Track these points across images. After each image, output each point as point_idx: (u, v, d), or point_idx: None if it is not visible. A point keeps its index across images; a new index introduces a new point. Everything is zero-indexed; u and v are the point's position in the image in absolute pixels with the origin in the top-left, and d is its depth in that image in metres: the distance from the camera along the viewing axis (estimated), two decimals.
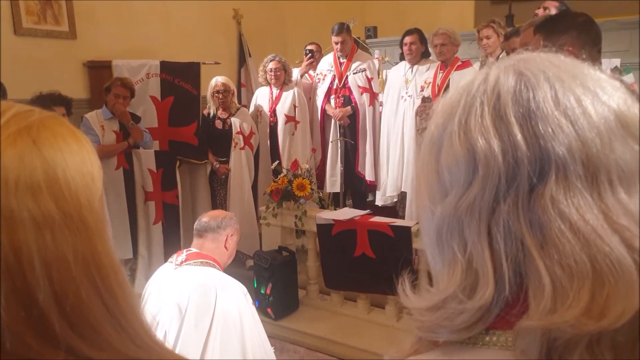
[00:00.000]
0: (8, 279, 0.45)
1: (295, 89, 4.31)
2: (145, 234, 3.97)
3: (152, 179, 3.95)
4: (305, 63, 4.45)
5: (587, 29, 1.78)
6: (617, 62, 3.91)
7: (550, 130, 0.44)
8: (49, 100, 3.28)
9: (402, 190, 4.05)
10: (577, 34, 1.76)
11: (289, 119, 4.26)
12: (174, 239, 3.98)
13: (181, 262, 2.08)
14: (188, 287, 1.97)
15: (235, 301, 2.00)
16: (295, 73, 4.44)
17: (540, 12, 4.07)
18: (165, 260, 2.22)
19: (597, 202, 0.43)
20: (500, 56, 3.74)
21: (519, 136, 0.45)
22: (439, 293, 0.49)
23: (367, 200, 4.48)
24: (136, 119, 3.91)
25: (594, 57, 1.79)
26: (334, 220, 3.25)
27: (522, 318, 0.43)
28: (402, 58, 4.30)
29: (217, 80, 4.11)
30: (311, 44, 4.60)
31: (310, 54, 4.45)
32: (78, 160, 0.52)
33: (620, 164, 0.44)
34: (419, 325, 0.51)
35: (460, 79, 3.70)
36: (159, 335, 1.93)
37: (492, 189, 0.45)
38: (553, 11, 3.96)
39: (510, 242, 0.45)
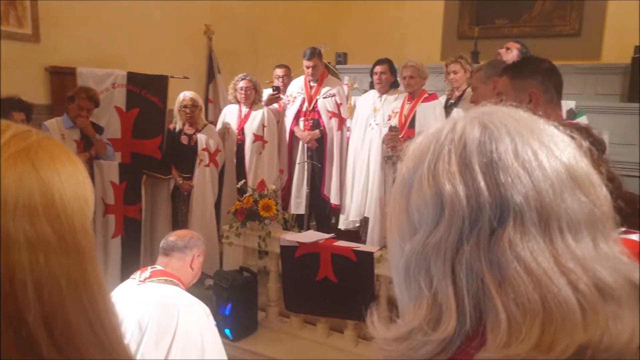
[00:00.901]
0: (0, 300, 0.45)
1: (265, 108, 4.32)
2: (102, 247, 3.84)
3: (114, 191, 3.85)
4: (269, 96, 4.47)
5: (551, 75, 1.90)
6: (572, 104, 4.12)
7: (510, 179, 0.49)
8: (7, 105, 3.16)
9: (365, 215, 4.10)
10: (541, 79, 1.87)
11: (257, 138, 4.25)
12: (133, 253, 3.86)
13: (145, 279, 2.04)
14: (150, 305, 1.93)
15: (197, 322, 1.97)
16: (265, 94, 4.46)
17: (502, 51, 4.27)
18: (123, 275, 2.16)
19: (549, 246, 0.48)
20: (466, 91, 3.89)
21: (482, 183, 0.49)
22: (405, 325, 0.52)
23: (331, 223, 4.51)
24: (99, 129, 3.81)
25: (554, 100, 1.91)
26: (298, 242, 3.25)
27: (480, 350, 0.47)
28: (371, 86, 4.39)
29: (186, 94, 4.08)
30: (280, 66, 4.64)
31: (277, 91, 4.48)
32: (74, 183, 0.52)
33: (569, 213, 0.49)
34: (385, 354, 0.54)
35: (425, 112, 3.81)
36: None
37: (456, 230, 0.49)
38: (514, 52, 4.17)
39: (472, 280, 0.49)
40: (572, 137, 0.55)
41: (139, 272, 2.09)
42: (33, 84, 4.00)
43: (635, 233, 1.55)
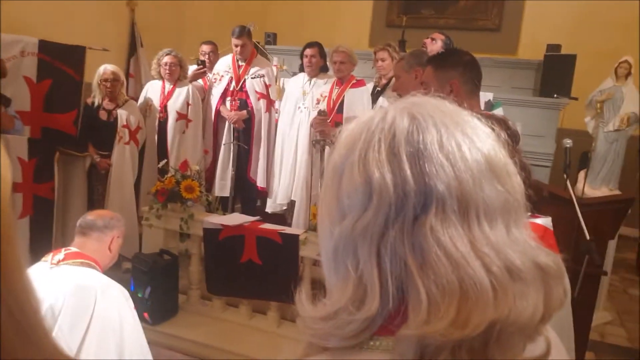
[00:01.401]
0: None
1: (190, 85, 4.18)
2: None
3: (22, 168, 3.58)
4: (194, 72, 4.33)
5: (471, 67, 1.98)
6: (490, 95, 4.33)
7: (434, 169, 0.52)
8: None
9: (292, 198, 4.10)
10: (462, 70, 1.95)
11: (181, 116, 4.11)
12: (44, 235, 3.63)
13: (58, 262, 1.92)
14: (64, 289, 1.83)
15: (116, 305, 1.89)
16: (191, 70, 4.31)
17: (428, 41, 4.40)
18: (32, 258, 2.03)
19: (467, 232, 0.51)
20: (393, 79, 3.97)
21: (408, 172, 0.52)
22: (332, 305, 0.55)
23: (256, 205, 4.47)
24: (6, 101, 3.51)
25: (474, 91, 2.00)
26: (222, 225, 3.20)
27: (401, 327, 0.50)
28: (301, 69, 4.36)
29: (107, 67, 3.86)
30: (207, 43, 4.49)
31: (202, 64, 4.34)
32: None
33: (486, 201, 0.52)
34: (311, 332, 0.56)
35: (353, 98, 3.85)
36: None
37: (383, 215, 0.52)
38: (439, 43, 4.31)
39: (395, 263, 0.52)
40: (492, 129, 0.59)
41: (51, 255, 1.97)
42: None
43: (539, 217, 1.68)
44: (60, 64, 3.85)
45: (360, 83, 4.13)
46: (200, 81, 4.36)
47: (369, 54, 4.49)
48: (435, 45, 4.31)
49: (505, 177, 0.55)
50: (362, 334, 0.53)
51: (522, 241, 0.54)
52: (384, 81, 4.14)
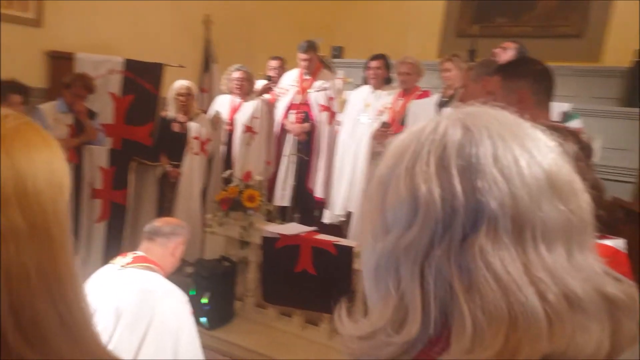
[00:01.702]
0: None
1: (258, 100, 4.34)
2: (86, 231, 3.90)
3: (103, 176, 3.89)
4: (262, 87, 4.48)
5: (543, 78, 1.89)
6: (566, 106, 4.08)
7: (486, 185, 0.48)
8: (6, 88, 3.22)
9: (349, 210, 4.11)
10: (532, 80, 1.86)
11: (247, 129, 4.27)
12: (117, 239, 3.91)
13: (126, 264, 2.06)
14: (129, 291, 1.96)
15: (175, 310, 2.00)
16: (259, 85, 4.48)
17: (498, 51, 4.23)
18: (105, 259, 2.19)
19: (521, 255, 0.47)
20: (459, 90, 3.86)
21: (458, 187, 0.48)
22: (371, 325, 0.52)
23: (314, 216, 4.53)
24: (92, 115, 3.86)
25: (544, 102, 1.90)
26: (279, 234, 3.27)
27: (442, 354, 0.47)
28: (365, 81, 4.38)
29: (182, 83, 4.10)
30: (274, 58, 4.64)
31: (269, 79, 4.48)
32: (48, 170, 0.52)
33: (545, 222, 0.48)
34: (348, 352, 0.54)
35: (417, 110, 3.78)
36: None
37: (429, 232, 0.49)
38: (511, 52, 4.13)
39: (440, 284, 0.48)
40: (559, 143, 0.54)
41: (119, 257, 2.12)
42: (33, 68, 4.06)
43: (609, 238, 1.52)
44: (142, 80, 4.15)
45: (425, 94, 4.07)
46: (267, 95, 4.52)
47: (437, 64, 4.41)
48: (506, 54, 4.13)
49: (569, 195, 0.50)
50: (400, 357, 0.50)
51: (586, 267, 0.49)
52: (450, 92, 4.04)
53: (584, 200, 0.51)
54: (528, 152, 0.50)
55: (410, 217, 0.50)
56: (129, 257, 2.10)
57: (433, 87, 4.30)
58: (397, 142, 0.56)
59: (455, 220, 0.48)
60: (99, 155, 3.87)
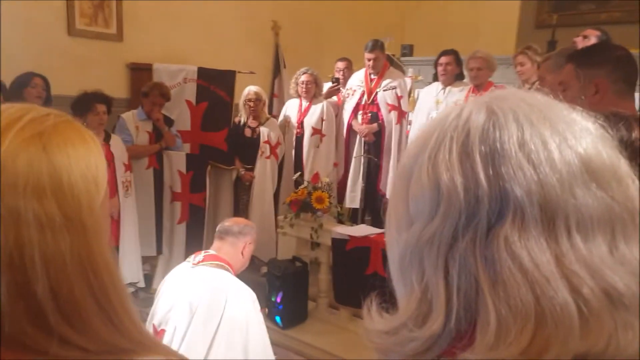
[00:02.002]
0: (11, 272, 0.50)
1: (325, 102, 4.38)
2: (169, 232, 4.10)
3: (181, 180, 4.08)
4: (329, 89, 4.50)
5: (624, 65, 1.73)
6: None
7: (511, 171, 0.45)
8: (92, 98, 3.47)
9: None
10: (611, 68, 1.70)
11: (316, 131, 4.32)
12: (196, 239, 4.09)
13: (198, 262, 2.16)
14: (201, 288, 2.04)
15: (243, 307, 2.06)
16: (326, 87, 4.51)
17: (579, 40, 3.97)
18: (186, 258, 2.30)
19: (552, 246, 0.44)
20: (536, 83, 3.67)
21: (482, 175, 0.46)
22: (395, 319, 0.51)
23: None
24: (169, 122, 4.06)
25: (626, 92, 1.74)
26: (349, 235, 3.26)
27: (466, 351, 0.45)
28: (435, 78, 4.28)
29: (250, 89, 4.22)
30: (341, 59, 4.65)
31: (336, 82, 4.49)
32: (83, 165, 0.56)
33: (580, 210, 0.44)
34: (373, 346, 0.52)
35: None
36: (169, 329, 2.03)
37: (452, 224, 0.47)
38: (593, 40, 3.86)
39: (465, 277, 0.46)
40: (602, 126, 0.50)
41: (193, 256, 2.22)
42: (116, 79, 4.35)
43: None
44: (215, 87, 4.31)
45: (499, 89, 3.91)
46: (334, 97, 4.53)
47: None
48: (588, 43, 3.88)
49: (611, 181, 0.46)
50: (425, 354, 0.48)
51: (633, 262, 0.44)
52: (526, 86, 3.86)
53: (630, 187, 0.47)
54: (560, 136, 0.46)
55: (432, 208, 0.48)
56: (201, 255, 2.20)
57: (510, 82, 4.11)
58: (422, 130, 0.54)
59: (480, 209, 0.45)
60: (177, 160, 4.07)
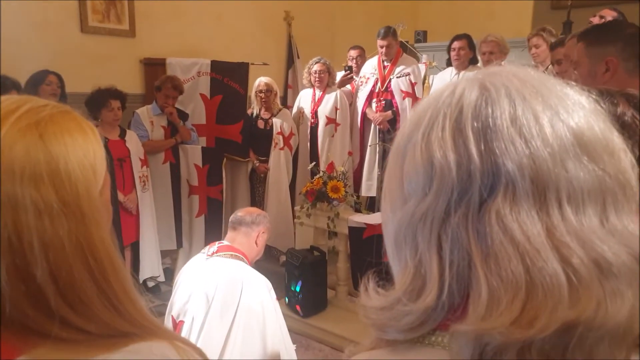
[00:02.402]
0: (10, 256, 0.51)
1: (338, 91, 4.35)
2: (188, 226, 4.14)
3: (198, 173, 4.11)
4: (342, 78, 4.47)
5: (634, 42, 1.70)
6: None
7: (503, 146, 0.46)
8: (107, 94, 3.49)
9: None
10: (623, 46, 1.68)
11: (330, 120, 4.30)
12: (215, 232, 4.11)
13: (212, 253, 2.16)
14: (217, 279, 2.05)
15: (259, 296, 2.07)
16: (339, 76, 4.48)
17: (595, 19, 3.88)
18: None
19: (543, 218, 0.45)
20: (549, 67, 3.62)
21: (474, 150, 0.46)
22: (390, 295, 0.52)
23: None
24: (184, 116, 4.08)
25: (637, 71, 1.72)
26: (365, 224, 3.27)
27: (458, 323, 0.46)
28: (449, 64, 4.24)
29: (261, 80, 4.22)
30: (354, 48, 4.62)
31: (349, 70, 4.46)
32: (81, 153, 0.58)
33: (572, 183, 0.45)
34: (370, 323, 0.53)
35: None
36: (187, 320, 2.04)
37: (444, 200, 0.47)
38: (609, 20, 3.78)
39: (457, 252, 0.47)
40: (596, 100, 0.50)
41: (208, 247, 2.23)
42: (129, 75, 4.39)
43: None
44: (229, 80, 4.32)
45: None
46: (348, 86, 4.51)
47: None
48: None
49: (603, 154, 0.46)
50: (421, 328, 0.49)
51: (624, 232, 0.45)
52: (541, 68, 3.80)
53: (622, 160, 0.47)
54: (552, 110, 0.47)
55: (425, 185, 0.49)
56: (215, 246, 2.20)
57: (524, 64, 4.04)
58: (416, 110, 0.54)
59: (472, 185, 0.46)
60: (193, 154, 4.10)
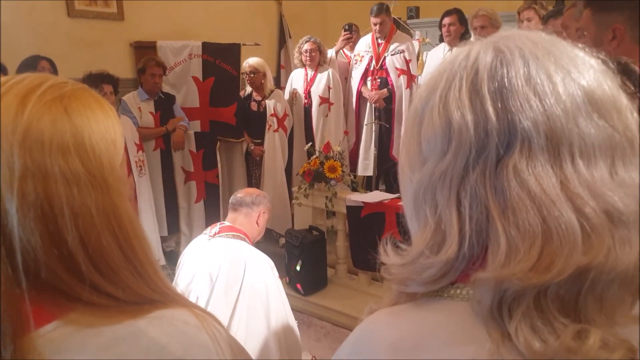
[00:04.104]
0: (43, 223, 0.54)
1: (330, 70, 4.32)
2: (187, 212, 4.13)
3: (193, 159, 4.09)
4: (342, 38, 4.41)
5: None
6: None
7: (518, 104, 0.48)
8: (98, 79, 3.44)
9: None
10: (630, 12, 1.67)
11: (323, 100, 4.28)
12: (215, 216, 4.12)
13: (214, 234, 2.19)
14: (219, 258, 2.08)
15: (262, 274, 2.10)
16: (330, 52, 4.44)
17: None
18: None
19: (557, 172, 0.48)
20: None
21: (491, 110, 0.49)
22: (411, 251, 0.55)
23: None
24: (172, 99, 4.02)
25: None
26: (363, 202, 3.29)
27: (478, 272, 0.49)
28: (442, 40, 4.22)
29: (248, 61, 4.17)
30: (347, 28, 4.58)
31: (348, 29, 4.40)
32: (102, 128, 0.60)
33: (583, 138, 0.48)
34: (392, 278, 0.57)
35: None
36: (192, 300, 2.05)
37: (463, 158, 0.50)
38: None
39: (476, 207, 0.50)
40: (604, 61, 0.53)
41: (209, 228, 2.25)
42: (119, 59, 4.32)
43: None
44: (221, 62, 4.26)
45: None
46: (344, 57, 4.43)
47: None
48: None
49: (611, 111, 0.49)
50: (441, 280, 0.52)
51: (631, 184, 0.48)
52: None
53: (629, 117, 0.50)
54: (564, 70, 0.49)
55: (444, 145, 0.51)
56: (217, 227, 2.23)
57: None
58: (432, 74, 0.56)
59: (489, 143, 0.49)
60: (187, 140, 4.06)
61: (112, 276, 0.58)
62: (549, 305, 0.45)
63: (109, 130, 0.61)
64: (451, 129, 0.51)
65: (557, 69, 0.49)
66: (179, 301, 0.65)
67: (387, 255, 0.58)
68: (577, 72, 0.50)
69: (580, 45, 0.53)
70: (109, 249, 0.58)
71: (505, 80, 0.49)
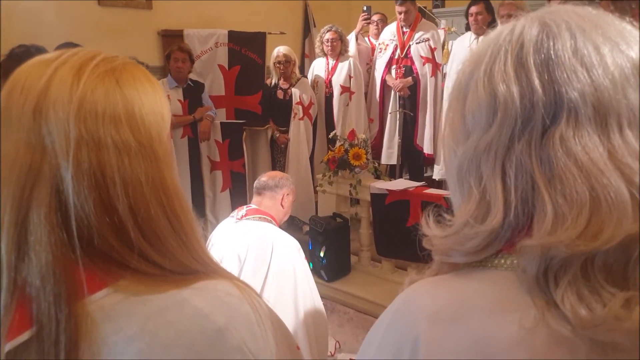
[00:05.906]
0: (96, 191, 0.56)
1: (351, 59, 4.31)
2: (212, 200, 4.19)
3: (219, 149, 4.13)
4: (360, 19, 4.38)
5: None
6: None
7: (565, 76, 0.48)
8: None
9: None
10: None
11: (344, 89, 4.28)
12: (241, 203, 4.11)
13: (241, 217, 2.23)
14: (247, 240, 2.12)
15: (289, 255, 2.14)
16: (351, 37, 4.42)
17: None
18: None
19: (605, 142, 0.47)
20: None
21: (537, 82, 0.49)
22: (455, 222, 0.55)
23: (424, 174, 4.46)
24: (200, 86, 4.07)
25: None
26: (388, 190, 3.30)
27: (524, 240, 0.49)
28: (468, 29, 4.19)
29: (279, 50, 4.19)
30: (375, 14, 4.56)
31: (367, 11, 4.39)
32: (152, 100, 0.63)
33: (632, 109, 0.48)
34: (434, 248, 0.57)
35: None
36: None
37: (508, 130, 0.51)
38: None
39: (521, 177, 0.50)
40: None
41: (236, 211, 2.30)
42: (147, 47, 4.40)
43: None
44: (246, 50, 4.30)
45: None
46: (367, 42, 4.39)
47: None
48: None
49: None
50: (485, 250, 0.52)
51: None
52: None
53: None
54: (612, 42, 0.49)
55: (489, 117, 0.52)
56: (244, 210, 2.27)
57: None
58: (475, 50, 0.57)
59: (535, 114, 0.49)
60: (213, 130, 4.10)
61: (159, 245, 0.60)
62: (596, 274, 0.45)
63: (157, 103, 0.63)
64: (496, 102, 0.51)
65: (604, 41, 0.49)
66: (221, 273, 0.66)
67: (429, 227, 0.58)
68: (625, 44, 0.49)
69: (627, 19, 0.53)
70: (157, 219, 0.60)
71: (552, 52, 0.49)
